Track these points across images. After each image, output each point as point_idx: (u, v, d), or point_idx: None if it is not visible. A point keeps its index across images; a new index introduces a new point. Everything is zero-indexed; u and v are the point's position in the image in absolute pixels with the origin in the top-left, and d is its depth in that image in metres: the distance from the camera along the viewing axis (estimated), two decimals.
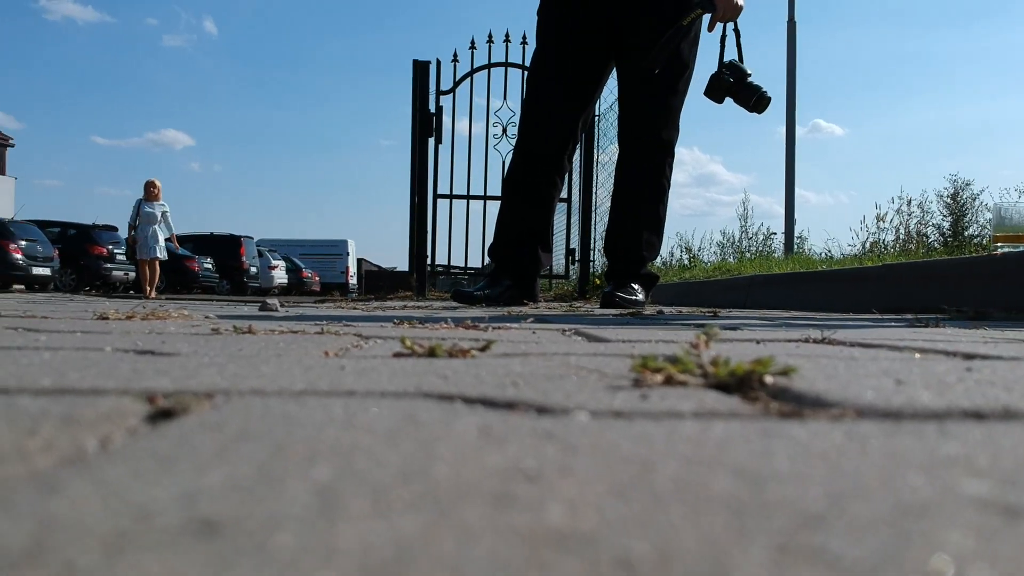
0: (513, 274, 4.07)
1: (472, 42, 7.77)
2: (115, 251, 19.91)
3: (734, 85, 2.84)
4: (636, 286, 3.90)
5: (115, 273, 19.88)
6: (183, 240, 26.22)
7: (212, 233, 26.69)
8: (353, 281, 38.09)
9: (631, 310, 3.51)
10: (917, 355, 1.38)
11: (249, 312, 3.34)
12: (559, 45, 3.81)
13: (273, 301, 3.75)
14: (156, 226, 12.19)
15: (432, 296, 7.48)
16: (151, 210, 12.17)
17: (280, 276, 29.06)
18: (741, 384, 0.87)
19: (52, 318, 2.49)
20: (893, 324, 2.61)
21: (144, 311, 2.51)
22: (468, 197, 7.89)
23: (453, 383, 0.92)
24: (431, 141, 7.74)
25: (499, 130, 7.58)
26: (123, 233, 12.00)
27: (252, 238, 27.63)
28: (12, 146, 23.51)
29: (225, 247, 25.77)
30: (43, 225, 19.61)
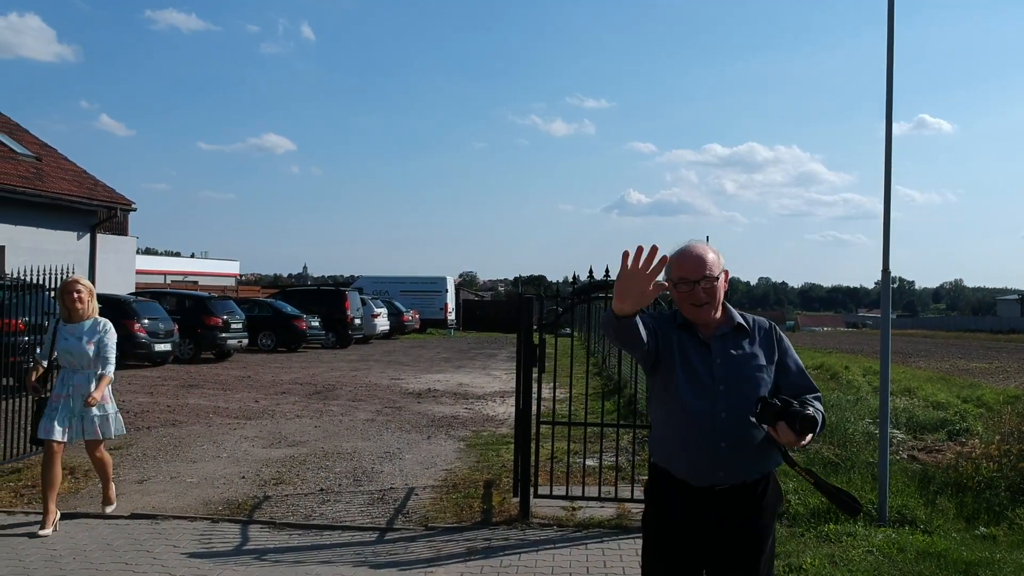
0: None
1: (575, 277, 8.01)
2: (230, 321, 21.00)
3: (781, 409, 2.98)
4: None
5: (230, 342, 20.93)
6: (291, 295, 27.26)
7: (319, 288, 27.76)
8: (452, 316, 38.97)
9: None
10: None
11: None
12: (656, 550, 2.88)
13: None
14: (81, 376, 5.57)
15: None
16: (71, 341, 5.56)
17: (382, 323, 29.98)
18: None
19: None
20: None
21: None
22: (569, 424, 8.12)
23: None
24: (534, 372, 8.01)
25: None
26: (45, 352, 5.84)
27: (356, 292, 28.68)
28: (134, 210, 24.81)
29: (331, 300, 26.78)
30: (161, 297, 20.75)
